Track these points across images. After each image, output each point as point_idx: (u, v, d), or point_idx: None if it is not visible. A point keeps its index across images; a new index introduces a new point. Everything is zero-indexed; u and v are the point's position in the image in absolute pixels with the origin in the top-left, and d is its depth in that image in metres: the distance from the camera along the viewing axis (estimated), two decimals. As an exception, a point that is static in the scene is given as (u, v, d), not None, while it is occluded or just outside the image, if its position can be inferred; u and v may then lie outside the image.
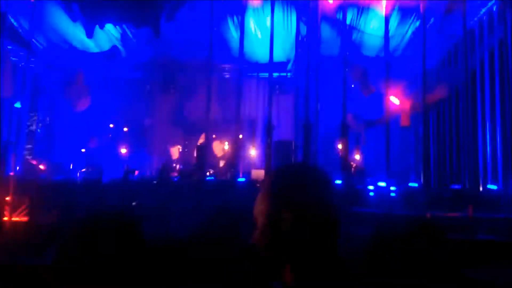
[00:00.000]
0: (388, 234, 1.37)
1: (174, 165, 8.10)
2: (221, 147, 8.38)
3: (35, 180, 6.84)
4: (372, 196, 5.68)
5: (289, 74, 9.60)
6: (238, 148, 6.59)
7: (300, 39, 7.86)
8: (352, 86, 7.88)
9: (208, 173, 7.38)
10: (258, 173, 7.40)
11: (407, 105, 7.82)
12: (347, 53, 7.05)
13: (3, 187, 5.96)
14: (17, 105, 8.64)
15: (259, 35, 8.99)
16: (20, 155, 9.01)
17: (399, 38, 8.21)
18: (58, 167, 8.25)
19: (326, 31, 7.66)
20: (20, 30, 8.76)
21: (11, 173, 6.75)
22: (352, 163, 6.83)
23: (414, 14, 7.63)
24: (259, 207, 1.06)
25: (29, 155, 10.21)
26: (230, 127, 9.98)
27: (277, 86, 9.62)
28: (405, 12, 7.79)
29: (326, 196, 1.08)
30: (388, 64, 6.75)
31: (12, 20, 8.31)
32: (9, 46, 7.93)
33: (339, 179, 5.67)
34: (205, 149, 6.98)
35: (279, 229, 1.02)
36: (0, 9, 7.44)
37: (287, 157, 6.64)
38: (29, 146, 10.33)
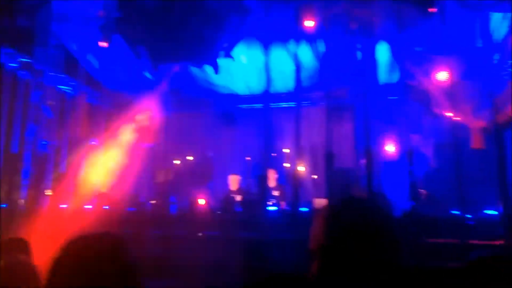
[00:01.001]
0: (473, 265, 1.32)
1: (235, 195, 8.20)
2: (273, 177, 8.33)
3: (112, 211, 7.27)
4: (446, 225, 5.34)
5: (347, 100, 9.49)
6: (297, 177, 6.55)
7: (356, 64, 7.80)
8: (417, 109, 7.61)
9: (269, 203, 7.39)
10: (321, 203, 7.27)
11: (478, 125, 7.36)
12: (408, 77, 6.87)
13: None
14: (93, 143, 9.37)
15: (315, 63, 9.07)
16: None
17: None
18: (131, 198, 8.72)
19: (384, 54, 7.55)
20: (93, 73, 9.63)
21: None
22: (421, 190, 6.50)
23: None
24: (316, 238, 1.11)
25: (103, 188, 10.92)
26: (289, 156, 10.06)
27: (336, 113, 9.53)
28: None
29: (386, 235, 1.05)
30: (453, 84, 6.46)
31: (86, 64, 9.16)
32: (84, 88, 8.71)
33: (408, 208, 5.42)
34: (266, 179, 7.02)
35: (334, 262, 1.01)
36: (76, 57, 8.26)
37: (348, 185, 6.48)
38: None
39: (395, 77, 8.20)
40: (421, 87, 7.61)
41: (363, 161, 6.32)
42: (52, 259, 1.09)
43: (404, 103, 6.33)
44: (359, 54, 7.39)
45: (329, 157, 6.06)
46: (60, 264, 1.09)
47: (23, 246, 2.85)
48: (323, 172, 8.80)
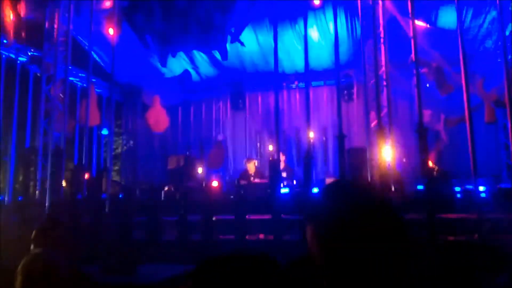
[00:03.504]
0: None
1: (252, 179, 8.26)
2: (282, 159, 8.36)
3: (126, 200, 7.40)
4: (459, 200, 5.32)
5: (356, 79, 9.40)
6: (310, 158, 6.56)
7: (365, 41, 7.69)
8: (428, 85, 7.51)
9: (282, 185, 7.43)
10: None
11: (491, 99, 7.25)
12: (419, 52, 6.74)
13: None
14: (104, 132, 9.48)
15: (323, 43, 8.98)
16: (109, 177, 9.84)
17: (475, 30, 7.69)
18: (143, 186, 8.84)
19: (393, 30, 7.42)
20: (102, 64, 9.67)
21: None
22: (433, 166, 6.46)
23: (489, 3, 7.11)
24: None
25: (116, 176, 11.11)
26: (299, 138, 10.07)
27: (345, 92, 9.46)
28: (479, 2, 7.30)
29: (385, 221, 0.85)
30: (465, 58, 6.33)
31: (95, 56, 9.20)
32: (93, 79, 8.77)
33: (421, 185, 5.40)
34: (277, 161, 7.05)
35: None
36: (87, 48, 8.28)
37: (361, 164, 6.47)
38: (116, 168, 11.25)
39: (407, 52, 8.08)
40: (434, 62, 7.50)
41: (374, 140, 6.29)
42: (196, 280, 0.97)
43: (416, 78, 6.23)
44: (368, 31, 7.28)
45: (340, 137, 6.04)
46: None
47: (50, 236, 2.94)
48: (335, 152, 8.82)
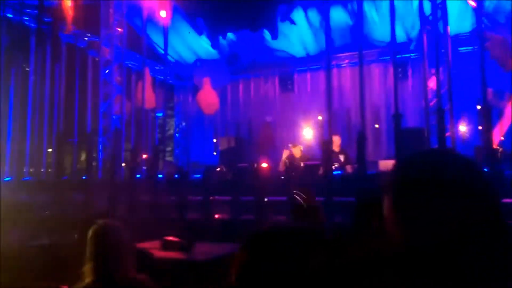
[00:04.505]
0: None
1: (298, 160, 8.21)
2: (337, 142, 8.19)
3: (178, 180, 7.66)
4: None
5: (412, 55, 8.95)
6: (363, 140, 6.38)
7: (423, 14, 7.27)
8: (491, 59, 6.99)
9: (333, 167, 7.32)
10: (387, 164, 7.08)
11: None
12: (482, 25, 6.28)
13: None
14: (159, 114, 9.82)
15: (375, 18, 8.62)
16: (163, 157, 10.25)
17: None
18: (196, 166, 9.11)
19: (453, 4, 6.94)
20: (155, 47, 9.92)
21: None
22: (498, 147, 6.06)
23: None
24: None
25: (170, 156, 11.52)
26: (350, 118, 9.82)
27: (399, 69, 9.06)
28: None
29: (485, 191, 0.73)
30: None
31: (148, 40, 9.45)
32: (147, 63, 9.04)
33: (484, 167, 5.10)
34: (330, 142, 6.94)
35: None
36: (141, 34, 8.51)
37: (419, 146, 6.21)
38: (169, 148, 11.67)
39: (467, 26, 7.55)
40: (497, 36, 6.95)
41: (434, 119, 5.99)
42: (239, 257, 0.97)
43: (478, 54, 5.83)
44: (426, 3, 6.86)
45: (397, 117, 5.80)
46: (251, 263, 0.95)
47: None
48: (388, 133, 8.53)
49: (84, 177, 7.62)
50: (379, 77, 9.82)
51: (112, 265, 1.94)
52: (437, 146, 5.65)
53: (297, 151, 8.57)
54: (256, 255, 0.95)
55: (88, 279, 1.93)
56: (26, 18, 8.48)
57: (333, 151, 7.97)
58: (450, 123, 5.90)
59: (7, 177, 7.77)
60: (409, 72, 9.34)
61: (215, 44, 8.89)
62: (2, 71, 7.81)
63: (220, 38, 8.91)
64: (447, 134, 5.70)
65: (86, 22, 8.32)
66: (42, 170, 8.27)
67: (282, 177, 7.38)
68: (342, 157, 7.75)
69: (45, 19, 8.27)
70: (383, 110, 9.54)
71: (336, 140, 8.04)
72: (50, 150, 8.49)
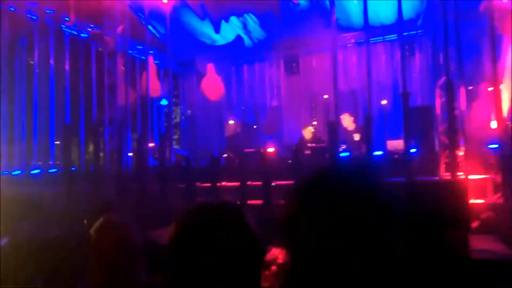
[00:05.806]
0: None
1: (309, 144, 8.14)
2: (351, 120, 8.10)
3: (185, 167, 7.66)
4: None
5: (419, 31, 8.74)
6: (370, 120, 6.27)
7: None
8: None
9: (340, 148, 7.24)
10: (395, 144, 7.00)
11: None
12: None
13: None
14: (163, 102, 9.77)
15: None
16: (170, 146, 10.22)
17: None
18: (202, 153, 9.09)
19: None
20: (158, 36, 9.82)
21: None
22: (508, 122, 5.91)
23: None
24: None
25: (176, 144, 11.52)
26: (357, 99, 9.67)
27: (406, 47, 8.86)
28: None
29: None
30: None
31: (151, 28, 9.35)
32: (151, 51, 8.96)
33: (494, 144, 4.98)
34: (336, 124, 6.84)
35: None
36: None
37: (427, 124, 6.10)
38: (175, 136, 11.66)
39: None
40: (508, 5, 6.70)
41: (442, 98, 5.85)
42: (172, 230, 1.09)
43: (487, 28, 5.64)
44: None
45: (405, 95, 5.67)
46: (182, 235, 1.08)
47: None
48: (395, 113, 8.40)
49: (91, 168, 7.65)
50: (386, 55, 9.64)
51: (122, 267, 1.83)
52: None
53: (307, 133, 8.50)
54: (182, 229, 1.10)
55: (95, 279, 1.85)
56: (29, 11, 8.43)
57: (346, 130, 7.89)
58: (460, 100, 5.76)
59: (15, 170, 7.83)
60: (416, 49, 9.13)
61: (217, 28, 8.75)
62: (6, 64, 7.80)
63: (223, 22, 8.76)
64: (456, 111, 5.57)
65: (89, 12, 8.25)
66: (50, 162, 8.32)
67: (289, 161, 7.34)
68: (357, 136, 7.62)
69: (47, 11, 8.22)
70: (390, 89, 9.38)
71: (348, 118, 7.93)
72: (57, 142, 8.52)
